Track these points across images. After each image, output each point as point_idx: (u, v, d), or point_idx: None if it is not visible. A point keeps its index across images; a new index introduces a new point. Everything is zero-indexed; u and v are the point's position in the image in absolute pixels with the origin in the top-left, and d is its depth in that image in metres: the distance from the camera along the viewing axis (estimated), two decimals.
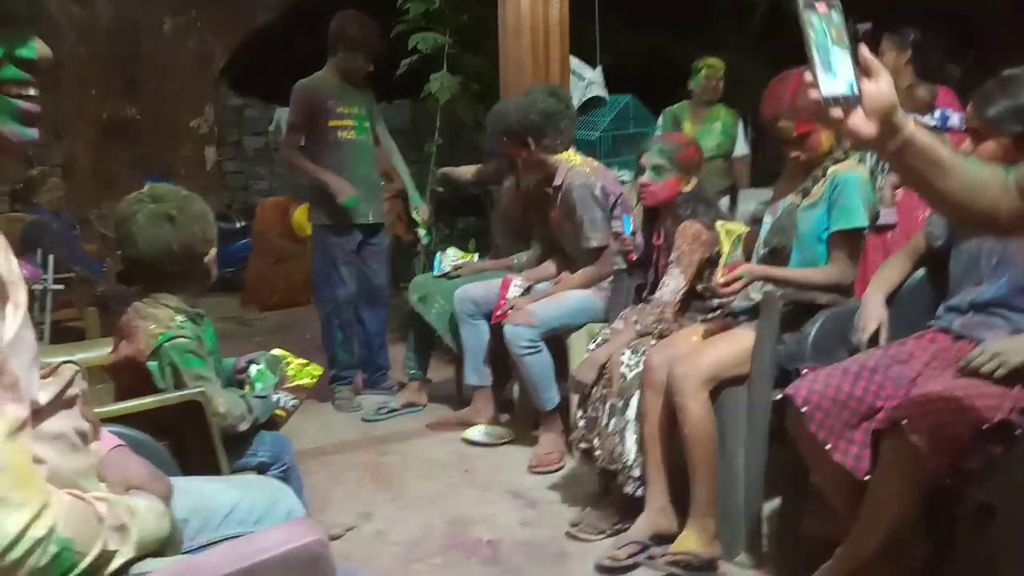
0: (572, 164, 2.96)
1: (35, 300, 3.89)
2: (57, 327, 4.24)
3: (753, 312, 2.22)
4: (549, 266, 3.19)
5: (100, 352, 2.16)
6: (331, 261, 3.53)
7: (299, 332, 5.39)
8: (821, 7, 1.08)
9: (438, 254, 3.53)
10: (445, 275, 3.40)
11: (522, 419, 3.13)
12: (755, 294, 2.20)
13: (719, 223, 2.32)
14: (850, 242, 2.17)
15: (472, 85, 5.66)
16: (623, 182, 4.16)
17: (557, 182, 2.96)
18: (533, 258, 3.32)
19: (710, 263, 2.38)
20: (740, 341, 2.15)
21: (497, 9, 3.72)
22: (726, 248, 2.25)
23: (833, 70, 1.08)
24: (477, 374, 3.13)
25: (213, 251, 1.80)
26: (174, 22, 7.39)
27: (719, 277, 2.15)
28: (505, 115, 2.96)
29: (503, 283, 3.05)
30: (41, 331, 3.84)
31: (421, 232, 3.86)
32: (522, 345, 2.79)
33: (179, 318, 1.75)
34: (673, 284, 2.38)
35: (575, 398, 2.58)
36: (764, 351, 2.10)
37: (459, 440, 3.08)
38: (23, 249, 4.36)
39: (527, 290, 3.06)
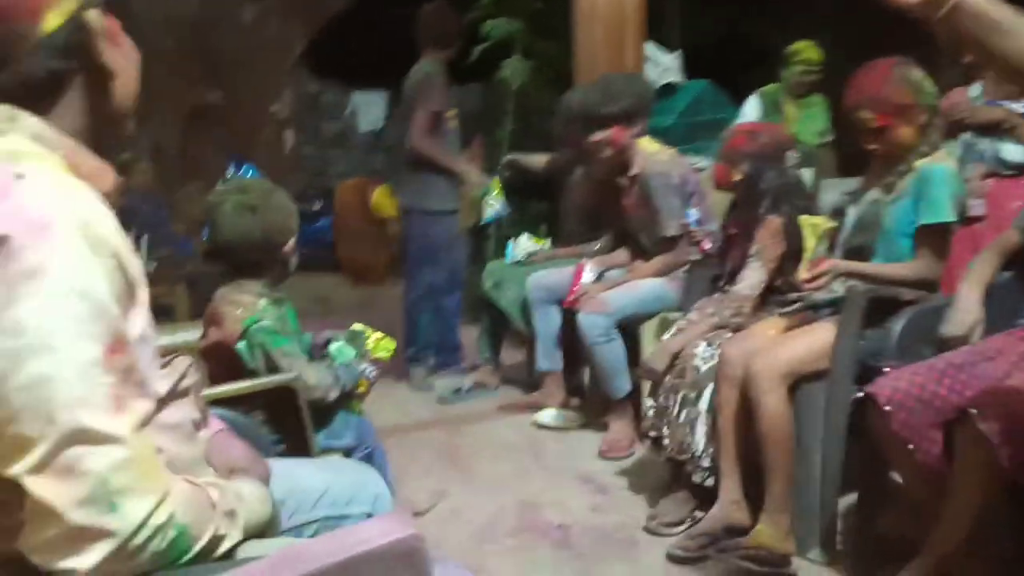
0: (649, 152, 2.95)
1: None
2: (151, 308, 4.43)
3: (835, 306, 2.19)
4: (622, 253, 3.19)
5: (190, 335, 2.26)
6: (435, 247, 3.60)
7: (375, 311, 5.54)
8: None
9: (510, 241, 3.57)
10: (518, 263, 3.44)
11: (593, 405, 3.15)
12: (838, 287, 2.17)
13: (803, 217, 2.29)
14: (937, 237, 2.12)
15: (545, 70, 5.67)
16: (699, 169, 4.13)
17: (634, 171, 2.96)
18: (606, 247, 3.33)
19: (792, 257, 2.34)
20: (820, 336, 2.12)
21: None
22: (810, 243, 2.21)
23: None
24: (548, 359, 3.17)
25: (292, 240, 1.88)
26: (253, 10, 7.59)
27: (804, 272, 2.13)
28: (589, 102, 2.95)
29: (577, 269, 3.07)
30: None
31: (493, 205, 3.74)
32: (595, 333, 2.81)
33: (262, 302, 1.84)
34: (753, 278, 2.37)
35: (646, 386, 2.59)
36: (845, 347, 2.06)
37: (530, 423, 3.13)
38: None
39: (600, 276, 3.07)
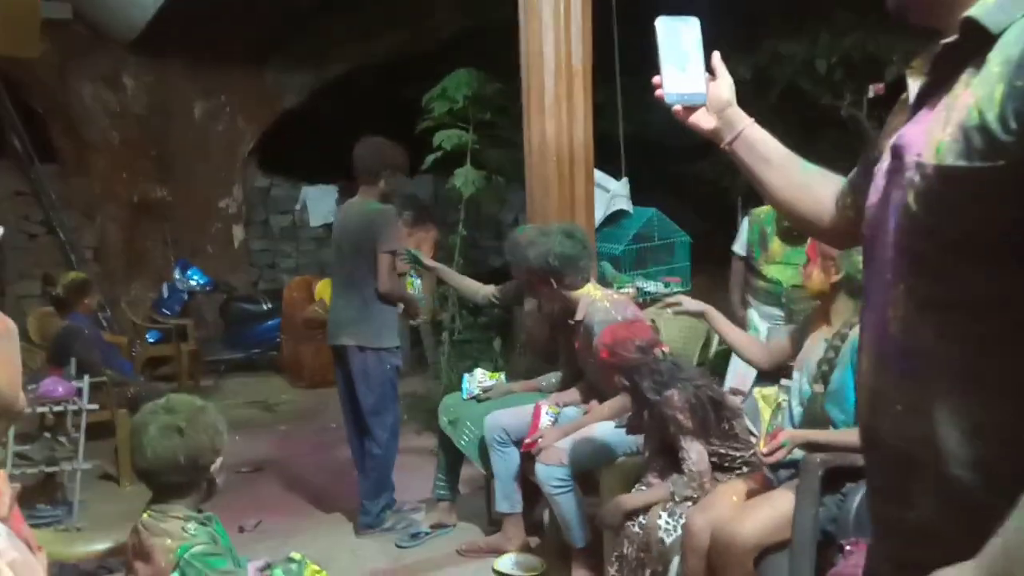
0: (592, 299, 3.01)
1: (67, 418, 3.95)
2: (89, 428, 4.26)
3: (793, 467, 2.24)
4: (577, 390, 3.23)
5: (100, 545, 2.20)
6: (392, 382, 3.57)
7: (322, 418, 5.45)
8: (679, 24, 1.30)
9: (465, 375, 3.58)
10: (474, 398, 3.44)
11: (554, 545, 3.14)
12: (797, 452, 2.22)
13: (756, 390, 2.36)
14: None
15: (495, 177, 5.80)
16: (648, 294, 4.23)
17: (579, 317, 3.01)
18: (560, 381, 3.37)
19: (715, 421, 2.42)
20: (781, 505, 2.17)
21: (521, 100, 3.76)
22: (766, 416, 2.28)
23: (681, 73, 1.27)
24: (508, 501, 3.16)
25: (220, 460, 1.86)
26: (205, 106, 7.60)
27: (762, 446, 2.19)
28: (524, 256, 3.03)
29: (534, 411, 3.09)
30: (75, 451, 3.90)
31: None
32: (553, 484, 2.82)
33: (191, 526, 1.80)
34: (693, 451, 2.41)
35: (607, 536, 2.61)
36: (804, 521, 2.12)
37: (491, 570, 3.09)
38: (56, 358, 4.46)
39: (556, 419, 3.10)
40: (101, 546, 2.22)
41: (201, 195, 7.66)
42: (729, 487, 2.34)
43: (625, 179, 4.58)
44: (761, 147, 1.28)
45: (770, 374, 2.72)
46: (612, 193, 4.42)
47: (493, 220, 7.58)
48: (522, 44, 3.62)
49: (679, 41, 1.28)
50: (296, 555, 1.99)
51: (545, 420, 3.05)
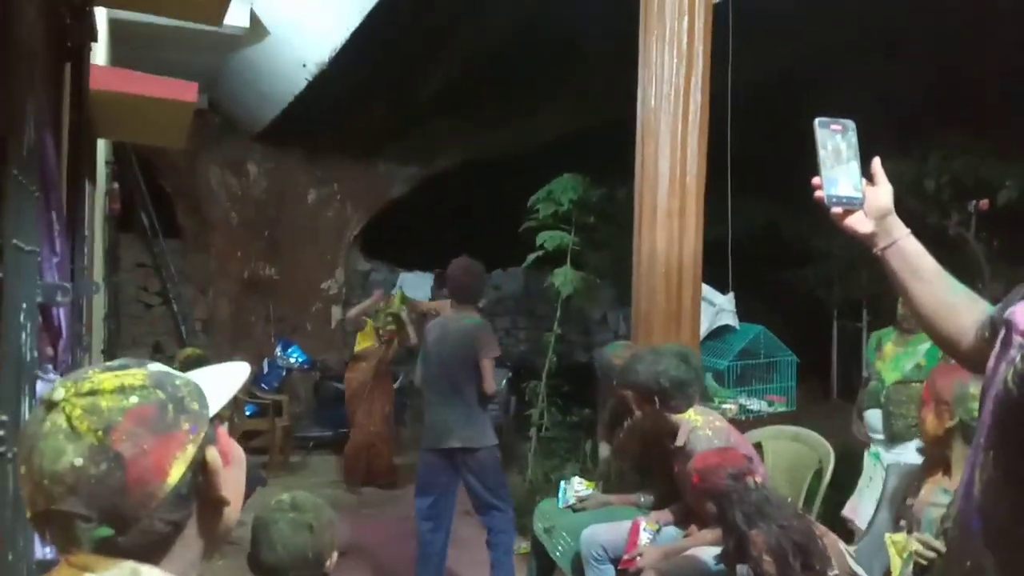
0: (694, 425, 2.96)
1: None
2: None
3: None
4: (677, 509, 3.17)
5: None
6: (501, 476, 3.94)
7: (406, 504, 5.44)
8: (836, 127, 1.33)
9: (562, 483, 3.57)
10: (570, 507, 3.42)
11: None
12: None
13: (888, 536, 2.27)
14: None
15: (592, 278, 5.89)
16: (750, 413, 4.16)
17: (679, 443, 2.97)
18: (656, 498, 3.31)
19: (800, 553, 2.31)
20: None
21: (623, 207, 3.87)
22: (896, 563, 2.19)
23: (840, 176, 1.30)
24: None
25: (335, 555, 1.92)
26: (317, 193, 8.04)
27: None
28: (635, 373, 3.04)
29: (633, 527, 3.04)
30: None
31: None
32: None
33: None
34: None
35: None
36: None
37: None
38: None
39: (655, 537, 3.04)
40: None
41: (306, 276, 8.03)
42: None
43: (731, 294, 4.58)
44: (914, 259, 1.30)
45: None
46: (718, 307, 4.42)
47: (582, 316, 7.64)
48: (638, 162, 3.73)
49: (837, 143, 1.32)
50: None
51: (644, 538, 2.99)
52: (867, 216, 1.30)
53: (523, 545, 4.71)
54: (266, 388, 6.88)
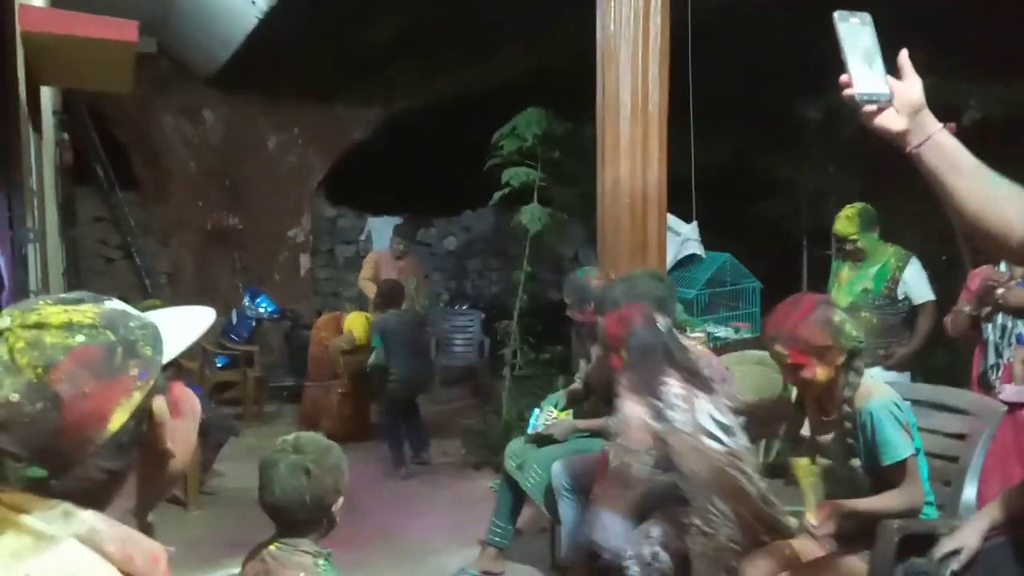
0: None
1: None
2: None
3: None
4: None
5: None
6: None
7: (381, 448, 5.47)
8: (855, 20, 1.26)
9: (535, 411, 3.58)
10: (538, 434, 3.43)
11: None
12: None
13: (793, 460, 2.32)
14: (907, 468, 2.17)
15: (560, 215, 5.83)
16: (718, 340, 4.18)
17: None
18: None
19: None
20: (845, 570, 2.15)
21: (589, 142, 3.80)
22: (805, 483, 2.24)
23: (867, 72, 1.23)
24: (573, 550, 3.12)
25: (341, 500, 1.89)
26: (277, 139, 7.84)
27: (811, 518, 2.15)
28: (613, 298, 3.01)
29: (602, 458, 3.04)
30: None
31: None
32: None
33: (321, 562, 1.83)
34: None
35: None
36: None
37: None
38: None
39: None
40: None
41: (271, 224, 7.89)
42: (782, 547, 2.29)
43: (695, 223, 4.55)
44: (952, 153, 1.24)
45: None
46: (683, 237, 4.40)
47: (553, 255, 7.60)
48: (599, 89, 3.65)
49: (859, 37, 1.24)
50: None
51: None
52: (899, 112, 1.23)
53: (495, 482, 4.77)
54: (236, 339, 6.81)
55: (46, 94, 4.74)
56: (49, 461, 0.79)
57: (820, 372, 2.15)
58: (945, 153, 1.23)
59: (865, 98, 1.23)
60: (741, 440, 2.45)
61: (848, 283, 3.87)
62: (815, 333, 2.13)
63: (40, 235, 3.51)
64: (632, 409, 2.54)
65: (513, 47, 6.93)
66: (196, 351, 6.76)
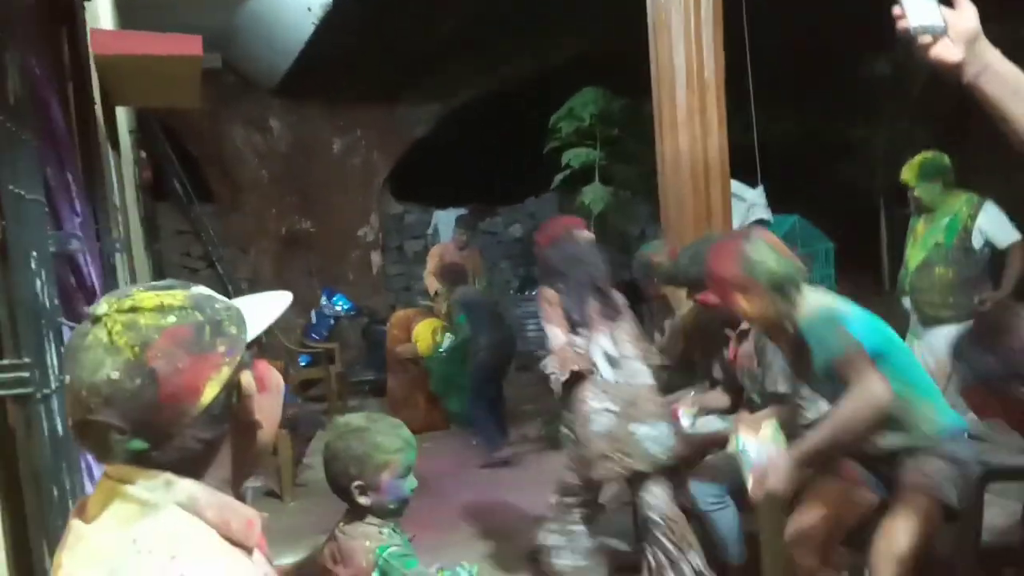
0: None
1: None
2: None
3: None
4: (718, 395, 3.13)
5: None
6: None
7: (463, 435, 5.56)
8: None
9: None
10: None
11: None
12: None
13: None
14: (849, 362, 2.14)
15: (623, 193, 5.80)
16: None
17: (744, 326, 2.91)
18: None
19: None
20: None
21: (649, 119, 3.76)
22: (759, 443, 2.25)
23: (920, 4, 1.23)
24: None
25: (386, 474, 1.90)
26: (342, 142, 8.03)
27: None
28: (685, 267, 2.98)
29: (672, 414, 2.98)
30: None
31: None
32: (709, 501, 2.77)
33: (385, 530, 1.90)
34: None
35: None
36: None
37: None
38: None
39: (694, 422, 3.00)
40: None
41: (341, 225, 8.08)
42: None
43: (761, 187, 4.46)
44: (1012, 80, 1.24)
45: None
46: (749, 202, 4.32)
47: (619, 234, 7.56)
48: (653, 58, 3.61)
49: None
50: (466, 565, 2.05)
51: (685, 422, 2.97)
52: (954, 43, 1.22)
53: None
54: (316, 338, 7.03)
55: (121, 114, 4.97)
56: (149, 433, 0.86)
57: (746, 305, 2.25)
58: (1006, 80, 1.23)
59: (919, 30, 1.22)
60: (629, 371, 2.84)
61: (922, 238, 3.75)
62: (731, 269, 2.25)
63: (126, 247, 3.69)
64: (554, 333, 2.89)
65: (567, 29, 6.90)
66: (280, 351, 7.02)
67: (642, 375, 2.86)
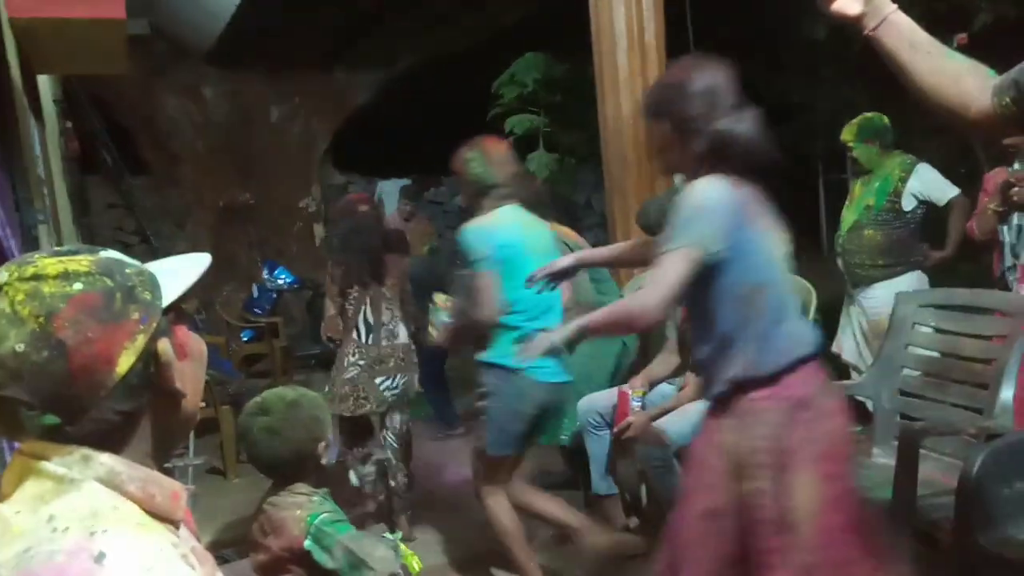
0: None
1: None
2: (196, 425, 4.46)
3: None
4: (662, 363, 3.17)
5: None
6: None
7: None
8: None
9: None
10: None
11: (653, 526, 3.13)
12: None
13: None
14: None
15: (568, 160, 5.79)
16: None
17: None
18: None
19: None
20: None
21: (593, 85, 3.75)
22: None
23: None
24: (604, 483, 3.16)
25: (322, 443, 1.93)
26: (280, 111, 7.82)
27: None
28: (646, 215, 3.00)
29: (620, 397, 3.04)
30: (186, 448, 4.08)
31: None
32: (654, 465, 2.81)
33: (315, 498, 1.89)
34: None
35: None
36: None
37: (590, 553, 3.09)
38: None
39: (643, 400, 3.03)
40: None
41: (282, 197, 7.90)
42: None
43: None
44: (909, 32, 1.29)
45: None
46: None
47: (566, 202, 7.57)
48: (593, 21, 3.59)
49: None
50: (390, 535, 2.04)
51: (634, 405, 3.00)
52: None
53: None
54: (259, 312, 6.89)
55: (44, 83, 4.74)
56: (62, 407, 0.81)
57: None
58: (903, 31, 1.29)
59: None
60: (386, 333, 3.44)
61: (857, 200, 3.82)
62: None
63: (52, 221, 3.55)
64: (327, 304, 3.61)
65: None
66: (221, 326, 6.87)
67: (401, 335, 3.48)
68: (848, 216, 3.77)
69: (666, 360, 3.20)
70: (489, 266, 2.61)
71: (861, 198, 3.77)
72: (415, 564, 1.99)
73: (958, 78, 1.27)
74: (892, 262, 3.71)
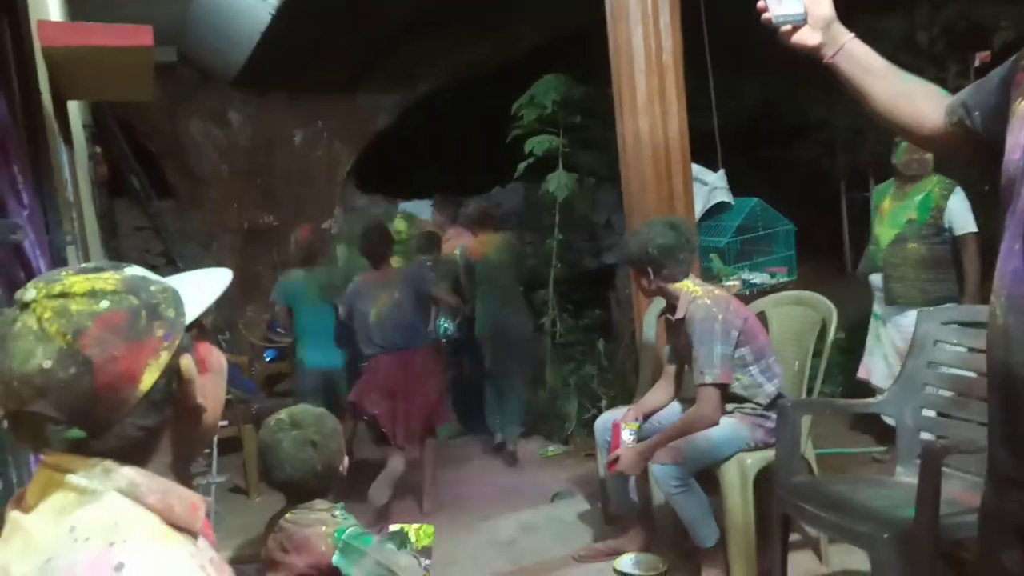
0: (693, 295, 2.89)
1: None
2: (219, 444, 4.49)
3: None
4: (657, 394, 3.14)
5: None
6: None
7: None
8: None
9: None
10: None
11: (674, 543, 3.10)
12: None
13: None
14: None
15: (587, 179, 5.80)
16: (754, 287, 4.14)
17: (679, 314, 2.94)
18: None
19: None
20: None
21: (612, 105, 3.77)
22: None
23: None
24: (624, 501, 3.14)
25: (346, 459, 1.97)
26: (303, 134, 7.93)
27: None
28: (627, 247, 3.03)
29: (613, 429, 2.98)
30: (209, 466, 4.12)
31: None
32: (671, 484, 2.78)
33: (338, 513, 1.90)
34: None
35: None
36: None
37: (611, 571, 3.08)
38: None
39: (637, 434, 2.97)
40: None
41: (305, 219, 7.97)
42: None
43: (722, 171, 4.49)
44: (864, 59, 1.38)
45: None
46: (711, 186, 4.35)
47: (586, 222, 7.58)
48: (611, 43, 3.62)
49: None
50: (394, 526, 2.05)
51: (626, 437, 2.96)
52: (813, 29, 1.38)
53: (551, 448, 4.81)
54: (282, 332, 6.92)
55: (74, 108, 4.86)
56: (87, 422, 0.83)
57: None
58: (858, 58, 1.38)
59: (781, 20, 1.37)
60: None
61: (891, 214, 3.77)
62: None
63: (81, 243, 3.62)
64: None
65: (528, 17, 6.87)
66: (245, 346, 6.93)
67: None
68: (887, 231, 3.73)
69: (661, 389, 3.16)
70: None
71: (898, 213, 3.74)
72: (424, 536, 2.00)
73: (912, 98, 1.35)
74: (934, 277, 3.67)
